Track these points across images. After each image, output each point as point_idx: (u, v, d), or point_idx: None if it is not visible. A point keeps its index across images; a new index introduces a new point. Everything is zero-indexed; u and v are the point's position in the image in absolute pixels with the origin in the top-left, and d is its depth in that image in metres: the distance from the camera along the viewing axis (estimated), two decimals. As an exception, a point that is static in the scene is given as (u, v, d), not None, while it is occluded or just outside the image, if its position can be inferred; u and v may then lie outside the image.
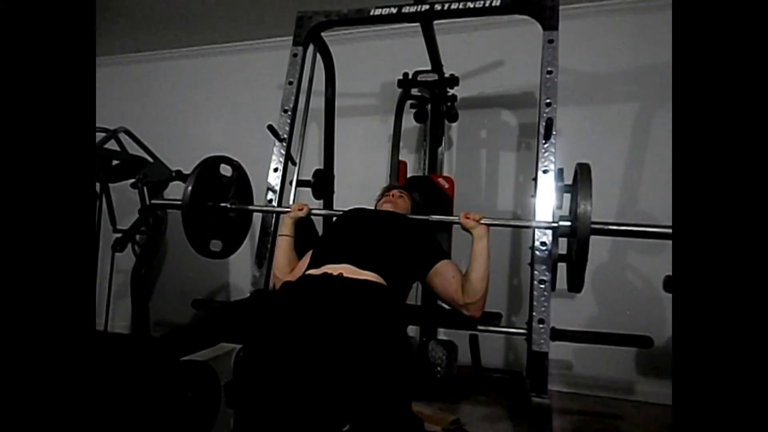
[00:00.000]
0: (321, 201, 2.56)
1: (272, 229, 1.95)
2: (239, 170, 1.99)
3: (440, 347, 2.43)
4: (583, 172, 1.48)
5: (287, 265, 1.76)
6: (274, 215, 1.96)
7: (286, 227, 1.81)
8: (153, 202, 1.89)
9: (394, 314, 1.39)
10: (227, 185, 1.94)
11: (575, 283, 1.55)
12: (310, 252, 1.72)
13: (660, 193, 2.59)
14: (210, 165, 1.83)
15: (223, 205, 1.88)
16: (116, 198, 3.05)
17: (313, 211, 1.88)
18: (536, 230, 1.66)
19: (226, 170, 1.95)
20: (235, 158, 2.00)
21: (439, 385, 2.40)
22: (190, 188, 1.71)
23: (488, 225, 1.64)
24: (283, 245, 1.79)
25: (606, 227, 1.50)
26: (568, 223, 1.56)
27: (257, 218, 2.04)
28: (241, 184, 1.98)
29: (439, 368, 2.41)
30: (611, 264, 2.68)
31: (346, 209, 1.85)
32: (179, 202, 1.73)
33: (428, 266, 1.62)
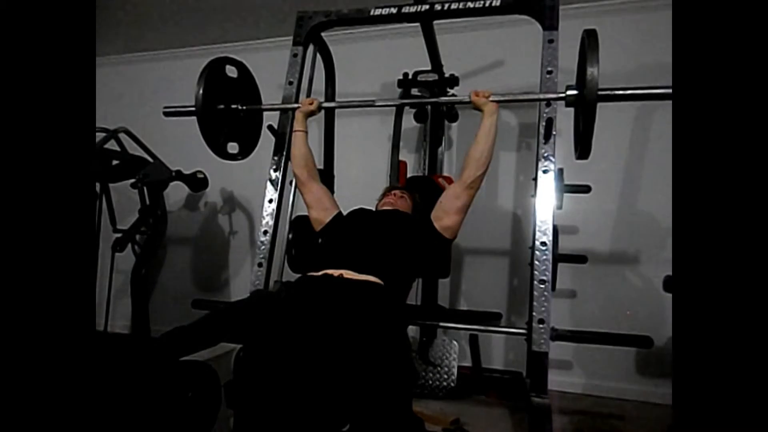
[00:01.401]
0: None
1: (271, 231, 1.95)
2: (244, 70, 2.02)
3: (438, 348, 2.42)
4: (590, 39, 1.50)
5: (303, 159, 1.83)
6: (291, 111, 1.98)
7: (298, 122, 1.87)
8: (165, 109, 1.93)
9: (394, 314, 1.39)
10: (235, 87, 1.96)
11: (584, 151, 1.57)
12: (331, 197, 1.85)
13: (660, 193, 2.59)
14: (216, 67, 1.86)
15: (234, 106, 1.92)
16: (116, 198, 3.05)
17: (323, 105, 1.93)
18: (536, 230, 1.66)
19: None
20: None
21: (438, 385, 2.40)
22: (201, 91, 1.75)
23: (497, 101, 1.69)
24: (298, 141, 1.85)
25: (612, 92, 1.53)
26: (575, 92, 1.58)
27: (257, 215, 2.04)
28: (247, 84, 2.02)
29: (438, 368, 2.41)
30: (611, 264, 2.68)
31: (347, 210, 1.86)
32: (192, 108, 1.77)
33: (432, 231, 1.66)
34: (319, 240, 1.81)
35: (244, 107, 1.94)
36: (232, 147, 1.97)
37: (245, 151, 2.04)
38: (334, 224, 1.75)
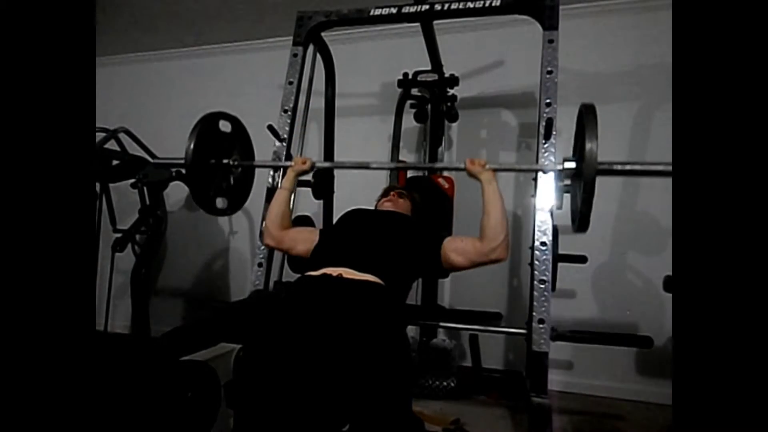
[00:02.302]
0: (321, 201, 2.56)
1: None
2: (238, 125, 1.99)
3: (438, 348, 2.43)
4: (588, 113, 1.48)
5: (279, 217, 1.75)
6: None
7: (287, 180, 1.82)
8: (155, 161, 1.91)
9: (393, 314, 1.39)
10: (228, 141, 1.94)
11: (581, 225, 1.54)
12: (311, 230, 1.77)
13: (660, 193, 2.59)
14: (209, 121, 1.83)
15: (225, 161, 1.89)
16: (116, 198, 3.05)
17: (317, 164, 1.89)
18: (536, 230, 1.66)
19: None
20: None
21: (438, 385, 2.40)
22: (192, 146, 1.71)
23: (494, 170, 1.65)
24: (280, 197, 1.79)
25: (611, 167, 1.51)
26: (573, 165, 1.57)
27: (257, 217, 2.04)
28: (241, 139, 1.99)
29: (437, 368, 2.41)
30: (611, 264, 2.68)
31: (346, 209, 1.85)
32: (182, 161, 1.73)
33: (436, 253, 1.61)
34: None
35: (237, 162, 1.91)
36: (221, 202, 1.92)
37: (234, 207, 2.00)
38: (327, 232, 1.74)
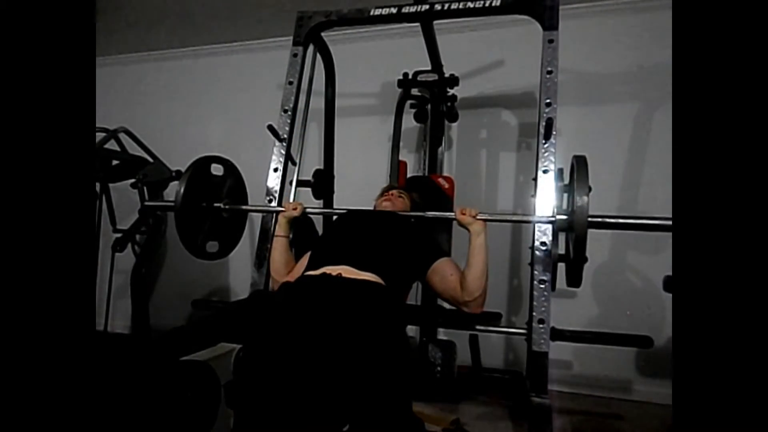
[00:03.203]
0: (321, 201, 2.56)
1: (272, 229, 1.95)
2: (231, 169, 1.98)
3: (438, 348, 2.43)
4: (579, 166, 1.48)
5: (284, 266, 1.75)
6: (274, 215, 1.96)
7: (280, 227, 1.80)
8: (146, 203, 1.89)
9: (393, 314, 1.39)
10: (220, 185, 1.93)
11: (574, 279, 1.55)
12: (309, 253, 1.71)
13: (660, 193, 2.59)
14: (201, 165, 1.83)
15: (216, 205, 1.88)
16: (116, 198, 3.05)
17: (308, 210, 1.86)
18: (536, 230, 1.66)
19: (216, 174, 1.94)
20: (231, 159, 2.00)
21: (438, 385, 2.40)
22: (182, 190, 1.71)
23: (485, 220, 1.62)
24: (278, 246, 1.78)
25: (603, 220, 1.50)
26: (565, 217, 1.57)
27: (257, 218, 2.04)
28: (233, 183, 1.98)
29: (438, 368, 2.41)
30: (611, 264, 2.68)
31: (344, 209, 1.85)
32: (172, 204, 1.72)
33: (426, 265, 1.62)
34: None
35: (228, 206, 1.89)
36: (212, 246, 1.91)
37: (225, 251, 1.99)
38: (325, 234, 1.73)
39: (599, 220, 1.48)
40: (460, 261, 1.70)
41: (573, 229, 1.46)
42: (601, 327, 2.26)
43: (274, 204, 1.97)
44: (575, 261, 1.49)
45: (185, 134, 3.60)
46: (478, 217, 1.61)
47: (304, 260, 1.71)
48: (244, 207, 1.98)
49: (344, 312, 1.29)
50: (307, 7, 2.18)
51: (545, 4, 1.84)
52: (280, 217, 1.83)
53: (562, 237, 1.73)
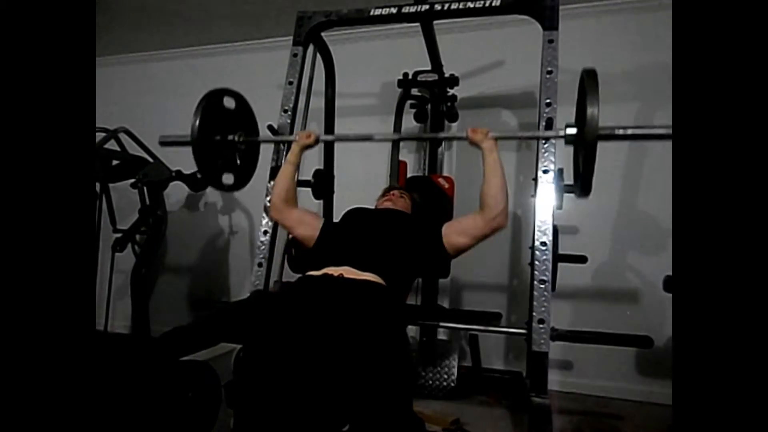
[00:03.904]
0: (321, 201, 2.56)
1: (271, 231, 1.95)
2: (242, 102, 1.99)
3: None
4: (589, 78, 1.48)
5: (283, 191, 1.78)
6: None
7: (292, 154, 1.83)
8: (162, 139, 1.91)
9: (394, 314, 1.39)
10: (232, 118, 1.94)
11: (584, 188, 1.55)
12: (315, 215, 1.79)
13: (660, 193, 2.59)
14: (213, 98, 1.84)
15: (231, 137, 1.89)
16: (116, 198, 3.05)
17: (321, 138, 1.90)
18: (536, 230, 1.66)
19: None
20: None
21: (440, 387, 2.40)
22: (197, 123, 1.72)
23: (496, 138, 1.65)
24: (285, 172, 1.81)
25: (612, 132, 1.51)
26: (575, 130, 1.57)
27: (257, 216, 2.04)
28: (245, 115, 1.99)
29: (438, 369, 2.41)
30: (611, 264, 2.68)
31: (347, 209, 1.85)
32: (188, 139, 1.73)
33: (438, 241, 1.62)
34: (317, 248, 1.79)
35: (241, 139, 1.91)
36: (227, 178, 1.93)
37: (241, 183, 2.01)
38: (327, 229, 1.74)
39: (608, 132, 1.50)
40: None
41: (584, 139, 1.47)
42: (601, 327, 2.26)
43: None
44: (585, 172, 1.50)
45: (185, 134, 3.59)
46: (489, 136, 1.64)
47: (307, 215, 1.78)
48: (257, 139, 2.00)
49: (345, 312, 1.29)
50: (307, 7, 2.18)
51: (545, 4, 1.84)
52: (294, 145, 1.85)
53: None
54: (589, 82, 1.48)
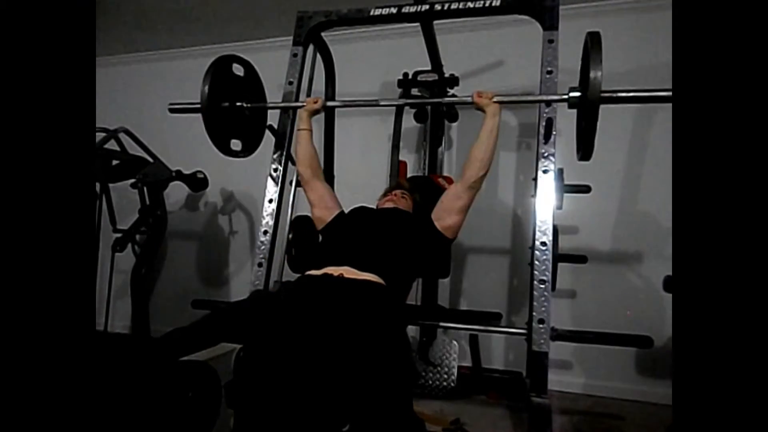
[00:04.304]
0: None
1: (271, 231, 1.95)
2: (250, 69, 2.03)
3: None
4: (593, 42, 1.51)
5: (308, 158, 1.84)
6: (291, 111, 2.03)
7: (303, 122, 1.87)
8: (171, 106, 1.94)
9: (394, 314, 1.39)
10: (241, 85, 1.97)
11: (586, 151, 1.58)
12: (335, 198, 1.85)
13: (660, 193, 2.59)
14: (222, 65, 1.87)
15: (239, 104, 1.93)
16: (116, 198, 3.05)
17: (328, 104, 1.94)
18: (536, 230, 1.66)
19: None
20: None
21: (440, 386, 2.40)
22: (206, 89, 1.76)
23: (500, 102, 1.69)
24: (303, 139, 1.85)
25: (614, 95, 1.54)
26: (578, 94, 1.59)
27: (256, 215, 2.04)
28: (252, 82, 2.03)
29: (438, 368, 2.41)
30: (611, 264, 2.68)
31: (348, 209, 1.85)
32: (198, 105, 1.77)
33: (433, 229, 1.67)
34: (320, 238, 1.81)
35: (249, 105, 1.95)
36: (235, 144, 1.98)
37: (249, 149, 2.05)
38: (336, 222, 1.76)
39: (610, 95, 1.52)
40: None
41: (586, 101, 1.50)
42: (601, 327, 2.26)
43: (275, 204, 1.97)
44: (587, 135, 1.52)
45: (185, 134, 3.60)
46: (493, 100, 1.68)
47: (330, 198, 1.83)
48: (265, 105, 2.04)
49: (344, 312, 1.29)
50: (307, 7, 2.18)
51: (545, 4, 1.84)
52: (301, 111, 1.89)
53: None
54: (593, 45, 1.50)
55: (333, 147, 2.62)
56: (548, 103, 1.75)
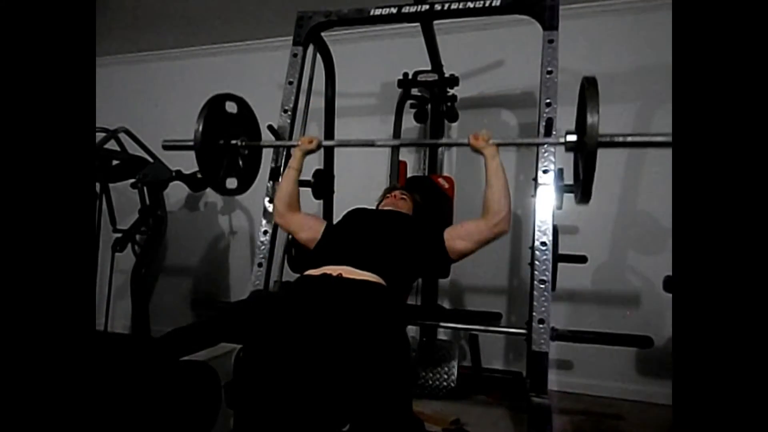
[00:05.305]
0: (321, 201, 2.56)
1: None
2: (245, 106, 2.00)
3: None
4: (590, 86, 1.49)
5: (287, 196, 1.78)
6: (284, 150, 2.00)
7: (294, 159, 1.83)
8: (165, 143, 1.92)
9: (393, 314, 1.39)
10: (235, 122, 1.95)
11: (584, 195, 1.55)
12: (317, 218, 1.80)
13: (660, 194, 2.59)
14: (216, 103, 1.85)
15: (233, 142, 1.91)
16: (116, 198, 3.05)
17: (324, 143, 1.90)
18: (536, 230, 1.66)
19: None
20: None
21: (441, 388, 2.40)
22: (200, 128, 1.73)
23: (498, 144, 1.66)
24: (288, 177, 1.81)
25: (612, 139, 1.52)
26: (575, 137, 1.58)
27: (257, 216, 2.04)
28: (247, 119, 2.01)
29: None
30: (611, 264, 2.68)
31: (348, 209, 1.85)
32: (191, 143, 1.75)
33: (441, 247, 1.63)
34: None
35: (244, 143, 1.92)
36: (231, 182, 1.96)
37: (244, 187, 2.03)
38: (330, 230, 1.74)
39: (608, 139, 1.50)
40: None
41: (584, 147, 1.47)
42: (601, 327, 2.26)
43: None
44: (585, 180, 1.50)
45: (185, 134, 3.60)
46: (490, 142, 1.65)
47: (311, 219, 1.78)
48: (260, 143, 2.01)
49: (344, 312, 1.29)
50: (307, 7, 2.18)
51: (545, 4, 1.84)
52: (295, 150, 1.85)
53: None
54: (589, 89, 1.48)
55: (333, 147, 2.62)
56: (548, 102, 1.75)
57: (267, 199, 1.96)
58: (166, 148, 1.93)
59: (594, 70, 2.73)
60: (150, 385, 1.33)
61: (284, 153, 2.02)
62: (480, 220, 1.58)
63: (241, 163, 1.98)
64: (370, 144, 1.96)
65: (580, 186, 1.55)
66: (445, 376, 2.43)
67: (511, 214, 1.59)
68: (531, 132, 2.74)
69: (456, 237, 1.62)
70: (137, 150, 2.93)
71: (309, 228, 1.75)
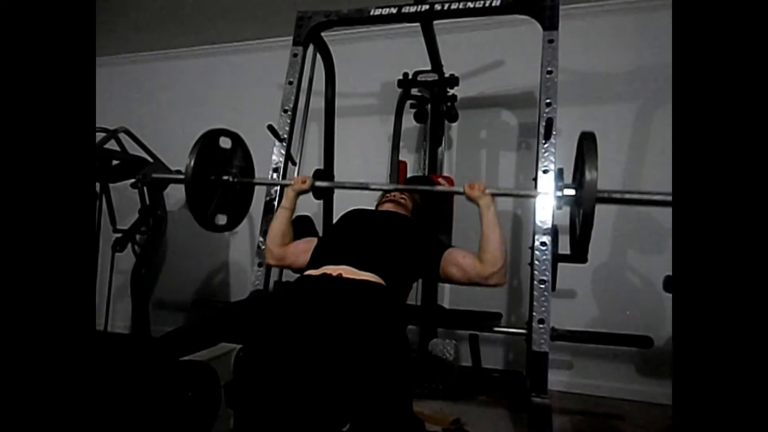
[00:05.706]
0: (321, 201, 2.56)
1: (277, 204, 1.95)
2: (239, 142, 1.99)
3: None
4: (588, 141, 1.48)
5: (279, 236, 1.75)
6: (277, 191, 1.97)
7: (287, 200, 1.81)
8: (154, 176, 1.91)
9: (393, 314, 1.39)
10: (228, 158, 1.94)
11: (580, 254, 1.54)
12: (307, 239, 1.74)
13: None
14: (210, 138, 1.83)
15: (225, 178, 1.89)
16: (116, 198, 3.05)
17: (317, 184, 1.88)
18: (536, 230, 1.66)
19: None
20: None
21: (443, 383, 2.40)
22: (192, 163, 1.72)
23: (493, 195, 1.64)
24: (280, 217, 1.78)
25: (610, 196, 1.51)
26: (573, 192, 1.57)
27: (257, 217, 2.04)
28: (241, 156, 1.99)
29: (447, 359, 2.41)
30: (611, 264, 2.68)
31: (346, 210, 1.85)
32: (182, 177, 1.73)
33: (436, 262, 1.61)
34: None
35: (236, 179, 1.91)
36: (221, 218, 1.93)
37: (233, 224, 2.02)
38: (327, 233, 1.73)
39: (606, 195, 1.49)
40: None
41: (581, 203, 1.45)
42: (601, 327, 2.26)
43: (274, 203, 1.96)
44: (582, 236, 1.47)
45: (185, 134, 3.59)
46: (486, 192, 1.63)
47: (302, 243, 1.74)
48: (252, 180, 2.00)
49: (344, 312, 1.29)
50: (307, 7, 2.18)
51: (545, 4, 1.84)
52: (288, 189, 1.83)
53: (563, 222, 1.72)
54: (587, 145, 1.47)
55: (333, 147, 2.62)
56: (548, 102, 1.75)
57: (261, 239, 1.91)
58: (155, 181, 1.92)
59: (594, 70, 2.76)
60: (150, 385, 1.33)
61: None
62: (478, 263, 1.54)
63: (232, 198, 1.96)
64: (365, 187, 1.90)
65: (577, 245, 1.53)
66: (445, 376, 2.43)
67: (506, 268, 1.55)
68: (531, 132, 2.75)
69: (453, 264, 1.58)
70: (137, 150, 2.93)
71: (305, 251, 1.70)
